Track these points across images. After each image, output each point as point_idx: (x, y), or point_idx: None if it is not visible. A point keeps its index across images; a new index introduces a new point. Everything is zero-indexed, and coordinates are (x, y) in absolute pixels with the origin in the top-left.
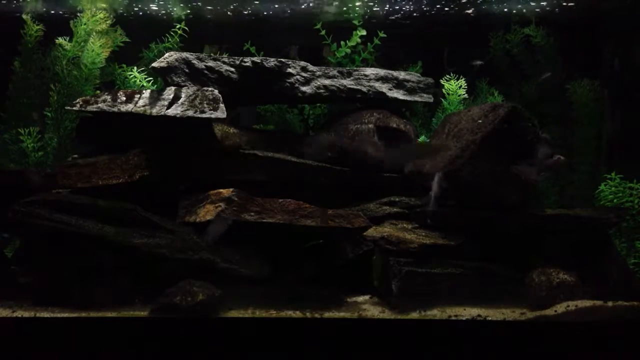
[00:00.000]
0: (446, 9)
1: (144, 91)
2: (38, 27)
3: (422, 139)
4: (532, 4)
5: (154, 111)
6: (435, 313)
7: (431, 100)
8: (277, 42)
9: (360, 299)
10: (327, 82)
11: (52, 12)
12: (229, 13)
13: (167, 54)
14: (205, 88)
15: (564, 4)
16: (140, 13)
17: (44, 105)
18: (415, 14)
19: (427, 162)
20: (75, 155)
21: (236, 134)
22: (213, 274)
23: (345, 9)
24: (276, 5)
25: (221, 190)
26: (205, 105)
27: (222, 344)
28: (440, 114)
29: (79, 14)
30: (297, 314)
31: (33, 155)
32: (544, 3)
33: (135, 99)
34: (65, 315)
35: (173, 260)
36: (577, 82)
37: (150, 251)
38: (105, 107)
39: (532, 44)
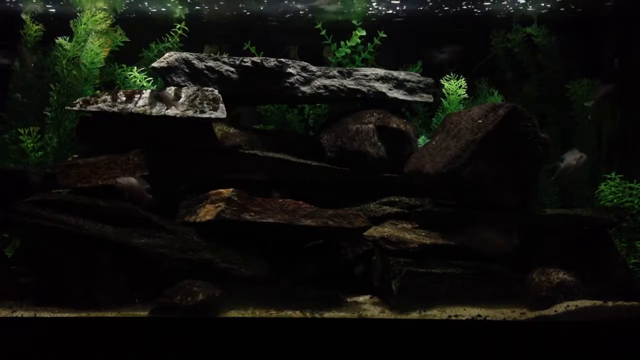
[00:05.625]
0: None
1: (144, 91)
2: (37, 27)
3: (422, 139)
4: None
5: (154, 111)
6: (435, 313)
7: (431, 100)
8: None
9: (360, 299)
10: (327, 82)
11: (52, 11)
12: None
13: (167, 54)
14: (205, 88)
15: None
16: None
17: (44, 105)
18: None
19: (427, 161)
20: (75, 155)
21: (236, 134)
22: (213, 274)
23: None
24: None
25: (221, 190)
26: (205, 105)
27: (222, 344)
28: (440, 114)
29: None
30: (297, 314)
31: (33, 155)
32: (544, 3)
33: (135, 99)
34: (65, 315)
35: (173, 260)
36: (577, 82)
37: (150, 251)
38: (105, 107)
39: (534, 43)
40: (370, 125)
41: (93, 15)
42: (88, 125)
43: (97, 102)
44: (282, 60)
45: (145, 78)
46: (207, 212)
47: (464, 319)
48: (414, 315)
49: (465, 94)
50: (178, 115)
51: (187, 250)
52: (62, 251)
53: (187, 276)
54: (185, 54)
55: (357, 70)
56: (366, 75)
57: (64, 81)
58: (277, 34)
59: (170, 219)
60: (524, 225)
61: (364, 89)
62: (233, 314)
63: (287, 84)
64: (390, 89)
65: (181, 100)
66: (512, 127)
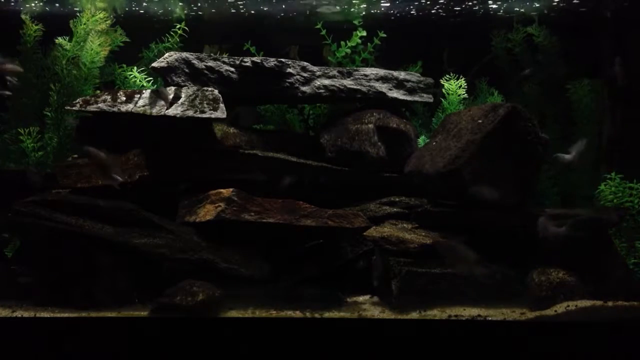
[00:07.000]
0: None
1: (144, 91)
2: (37, 26)
3: (422, 139)
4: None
5: (154, 111)
6: (435, 313)
7: (431, 100)
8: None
9: (360, 299)
10: (327, 82)
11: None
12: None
13: (167, 54)
14: (205, 88)
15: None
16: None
17: (44, 105)
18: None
19: (427, 161)
20: (75, 155)
21: (236, 134)
22: (213, 274)
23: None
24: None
25: (221, 190)
26: (205, 105)
27: (222, 344)
28: (440, 113)
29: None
30: (297, 314)
31: (33, 155)
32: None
33: (135, 99)
34: (65, 315)
35: (173, 260)
36: (577, 82)
37: (150, 251)
38: (105, 107)
39: (535, 43)
40: (370, 125)
41: (93, 15)
42: (88, 125)
43: (97, 102)
44: (282, 60)
45: (145, 78)
46: (207, 212)
47: (464, 319)
48: (414, 315)
49: (465, 94)
50: (178, 115)
51: (187, 250)
52: (62, 251)
53: (187, 276)
54: (185, 54)
55: (357, 70)
56: (366, 75)
57: (64, 81)
58: (278, 34)
59: (170, 219)
60: (524, 225)
61: (364, 89)
62: (233, 314)
63: (287, 83)
64: (390, 89)
65: (181, 100)
66: (512, 127)
